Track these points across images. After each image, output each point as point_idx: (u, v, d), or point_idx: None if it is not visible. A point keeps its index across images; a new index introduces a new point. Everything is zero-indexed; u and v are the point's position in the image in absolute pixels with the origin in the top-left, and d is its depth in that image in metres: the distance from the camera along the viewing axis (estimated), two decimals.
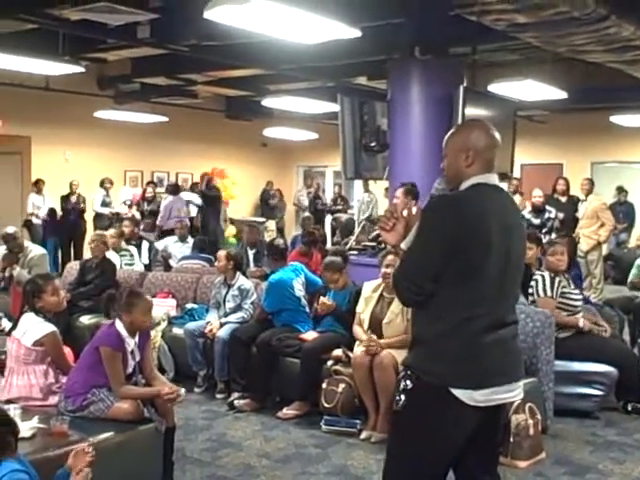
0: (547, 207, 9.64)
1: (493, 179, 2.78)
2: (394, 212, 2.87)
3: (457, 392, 2.60)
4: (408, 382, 2.69)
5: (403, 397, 2.71)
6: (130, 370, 4.17)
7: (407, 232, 2.81)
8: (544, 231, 9.25)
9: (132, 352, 4.17)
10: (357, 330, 5.40)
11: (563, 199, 10.10)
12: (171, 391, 4.08)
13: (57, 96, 11.42)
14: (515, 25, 6.36)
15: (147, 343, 4.32)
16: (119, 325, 4.16)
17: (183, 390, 4.24)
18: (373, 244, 7.84)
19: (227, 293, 6.33)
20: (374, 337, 5.17)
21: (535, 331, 5.13)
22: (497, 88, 8.55)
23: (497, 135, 2.80)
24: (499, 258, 2.66)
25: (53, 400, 4.18)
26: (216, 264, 6.56)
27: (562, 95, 9.43)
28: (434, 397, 2.63)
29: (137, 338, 4.21)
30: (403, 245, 2.79)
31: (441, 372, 2.63)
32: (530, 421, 4.58)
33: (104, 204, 12.92)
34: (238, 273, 6.44)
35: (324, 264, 6.01)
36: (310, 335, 5.77)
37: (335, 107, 9.35)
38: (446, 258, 2.61)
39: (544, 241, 6.80)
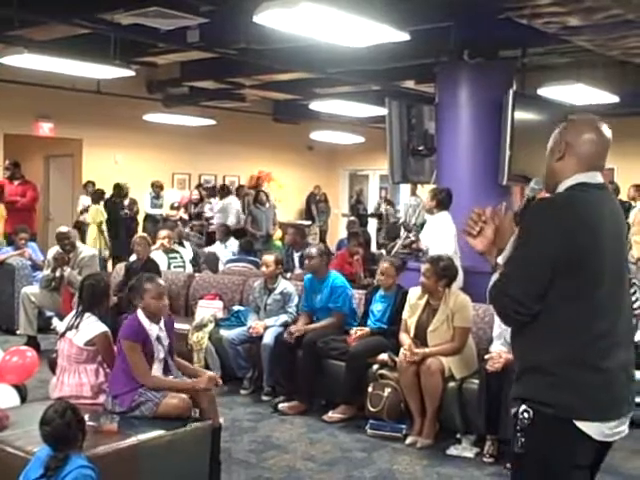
0: None
1: (597, 177, 2.41)
2: (482, 214, 2.47)
3: (584, 425, 2.27)
4: (525, 416, 2.32)
5: (521, 435, 2.34)
6: (162, 355, 4.19)
7: (498, 238, 2.45)
8: None
9: (158, 338, 4.18)
10: (403, 337, 5.34)
11: None
12: (209, 383, 4.10)
13: (108, 99, 11.57)
14: (567, 28, 6.31)
15: (172, 330, 4.34)
16: (140, 313, 4.20)
17: (216, 375, 4.26)
18: (407, 251, 7.78)
19: (268, 297, 6.34)
20: (415, 349, 5.10)
21: None
22: (547, 92, 8.42)
23: (605, 130, 2.43)
24: (613, 266, 2.35)
25: (103, 399, 4.25)
26: (263, 269, 6.48)
27: (614, 99, 9.27)
28: (558, 432, 2.29)
29: (162, 324, 4.24)
30: (500, 259, 2.42)
31: (566, 403, 2.28)
32: None
33: (154, 206, 13.06)
34: (280, 277, 6.46)
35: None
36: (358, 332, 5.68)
37: (382, 111, 9.33)
38: (555, 272, 2.27)
39: None
